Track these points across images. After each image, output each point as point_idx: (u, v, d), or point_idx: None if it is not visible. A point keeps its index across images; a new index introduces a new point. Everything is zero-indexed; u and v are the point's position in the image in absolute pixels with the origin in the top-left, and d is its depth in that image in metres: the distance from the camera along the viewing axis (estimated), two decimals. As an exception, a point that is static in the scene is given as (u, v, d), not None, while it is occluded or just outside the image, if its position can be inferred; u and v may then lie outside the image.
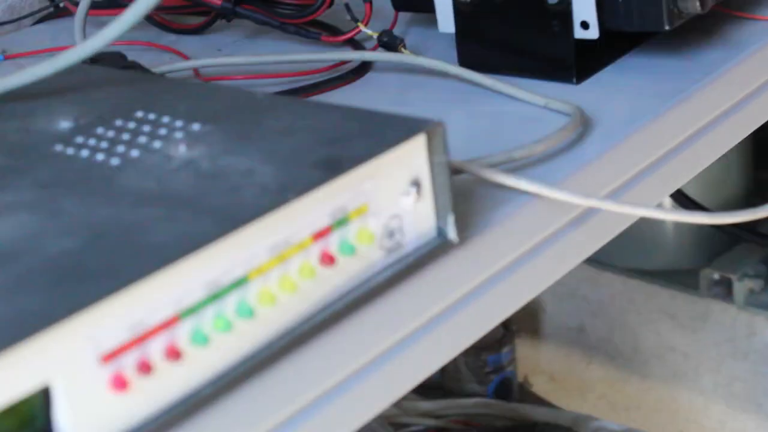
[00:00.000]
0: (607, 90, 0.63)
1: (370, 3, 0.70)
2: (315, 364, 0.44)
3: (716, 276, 1.09)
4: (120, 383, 0.38)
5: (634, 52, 0.67)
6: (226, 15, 0.74)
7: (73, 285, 0.37)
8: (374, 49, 0.69)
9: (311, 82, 0.66)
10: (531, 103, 0.61)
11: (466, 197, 0.52)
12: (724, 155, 0.65)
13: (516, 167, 0.54)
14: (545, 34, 0.63)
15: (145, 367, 0.39)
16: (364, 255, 0.45)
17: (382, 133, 0.46)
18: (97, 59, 0.60)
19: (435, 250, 0.48)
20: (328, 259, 0.44)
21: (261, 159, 0.44)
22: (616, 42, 0.66)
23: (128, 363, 0.38)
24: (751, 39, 0.68)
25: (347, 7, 0.70)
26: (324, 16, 0.71)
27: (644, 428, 1.09)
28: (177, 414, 0.40)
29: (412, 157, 0.46)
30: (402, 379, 0.47)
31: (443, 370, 1.10)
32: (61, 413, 0.37)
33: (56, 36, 0.81)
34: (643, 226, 1.09)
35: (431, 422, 1.03)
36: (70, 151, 0.46)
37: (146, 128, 0.47)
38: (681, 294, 1.11)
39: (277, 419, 0.42)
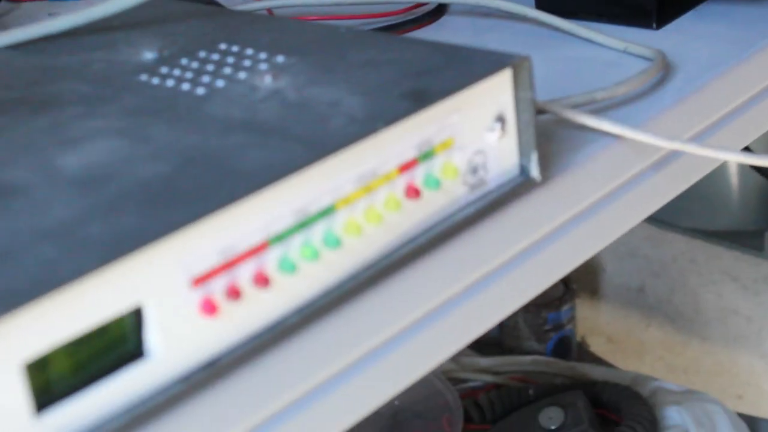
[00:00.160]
0: (687, 36, 0.62)
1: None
2: (398, 298, 0.44)
3: (782, 238, 1.08)
4: (209, 307, 0.38)
5: (714, -1, 0.66)
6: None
7: (166, 207, 0.37)
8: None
9: (386, 24, 0.66)
10: (610, 48, 0.60)
11: (547, 137, 0.51)
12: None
13: (597, 109, 0.53)
14: (625, -22, 0.62)
15: (234, 293, 0.39)
16: (448, 190, 0.45)
17: (469, 66, 0.45)
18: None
19: (517, 188, 0.48)
20: (413, 192, 0.44)
21: (347, 90, 0.44)
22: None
23: (218, 288, 0.39)
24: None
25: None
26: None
27: (702, 391, 1.08)
28: (263, 341, 0.40)
29: (497, 91, 0.46)
30: (483, 317, 0.47)
31: (502, 327, 1.09)
32: (152, 335, 0.37)
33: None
34: (707, 185, 1.08)
35: (489, 378, 1.02)
36: (155, 80, 0.46)
37: (230, 60, 0.47)
38: (744, 255, 1.09)
39: (361, 351, 0.42)
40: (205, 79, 0.46)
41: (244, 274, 0.39)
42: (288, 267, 0.40)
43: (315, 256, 0.41)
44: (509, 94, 0.46)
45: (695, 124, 0.56)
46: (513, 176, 0.48)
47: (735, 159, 0.52)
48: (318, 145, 0.40)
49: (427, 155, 0.44)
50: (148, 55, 0.48)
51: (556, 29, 0.62)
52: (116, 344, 0.37)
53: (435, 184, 0.44)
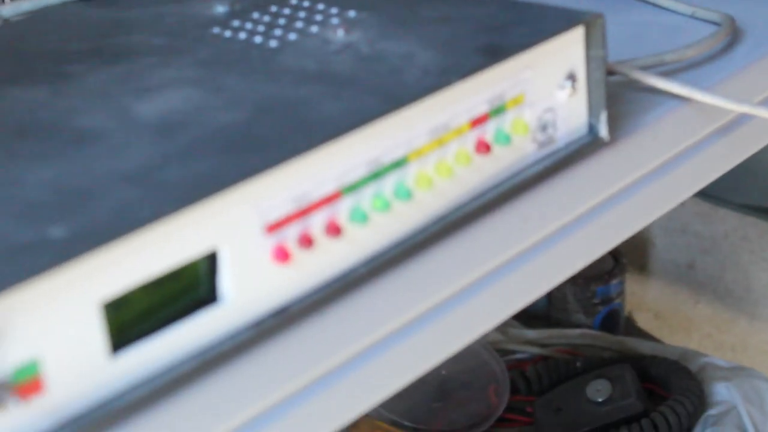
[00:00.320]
0: (755, 1, 0.61)
1: None
2: (466, 253, 0.44)
3: (836, 215, 1.06)
4: (282, 254, 0.39)
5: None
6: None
7: (242, 153, 0.38)
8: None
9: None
10: (677, 12, 0.59)
11: (616, 98, 0.51)
12: None
13: (665, 72, 0.53)
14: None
15: (306, 241, 0.39)
16: (517, 146, 0.45)
17: (542, 23, 0.45)
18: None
19: (585, 147, 0.47)
20: (483, 147, 0.44)
21: (420, 44, 0.44)
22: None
23: (291, 235, 0.39)
24: None
25: None
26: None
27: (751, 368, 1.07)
28: (332, 291, 0.40)
29: (569, 49, 0.46)
30: (550, 272, 0.47)
31: (550, 300, 1.09)
32: (226, 280, 0.38)
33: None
34: (762, 160, 1.07)
35: (536, 350, 1.02)
36: (228, 33, 0.47)
37: (301, 14, 0.47)
38: (798, 233, 1.08)
39: (429, 303, 0.42)
40: (277, 32, 0.46)
41: (316, 222, 0.39)
42: (359, 217, 0.40)
43: (386, 207, 0.41)
44: (581, 51, 0.46)
45: (763, 89, 0.55)
46: (581, 135, 0.47)
47: (805, 124, 0.51)
48: (392, 96, 0.40)
49: (498, 110, 0.44)
50: (220, 9, 0.49)
51: (623, -7, 0.62)
52: (190, 289, 0.37)
53: (505, 139, 0.44)
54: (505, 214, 0.45)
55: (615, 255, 1.07)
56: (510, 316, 0.46)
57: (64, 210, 0.35)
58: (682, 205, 1.18)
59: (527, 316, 1.05)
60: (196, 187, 0.36)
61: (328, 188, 0.39)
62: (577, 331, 1.04)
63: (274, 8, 0.48)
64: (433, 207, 0.43)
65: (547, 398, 0.91)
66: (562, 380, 0.94)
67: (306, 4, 0.48)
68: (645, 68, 0.52)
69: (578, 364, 0.96)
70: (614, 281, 1.07)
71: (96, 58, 0.45)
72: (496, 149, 0.44)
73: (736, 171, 0.56)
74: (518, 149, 0.45)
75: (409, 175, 0.42)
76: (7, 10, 0.54)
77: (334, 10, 0.47)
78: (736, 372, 0.94)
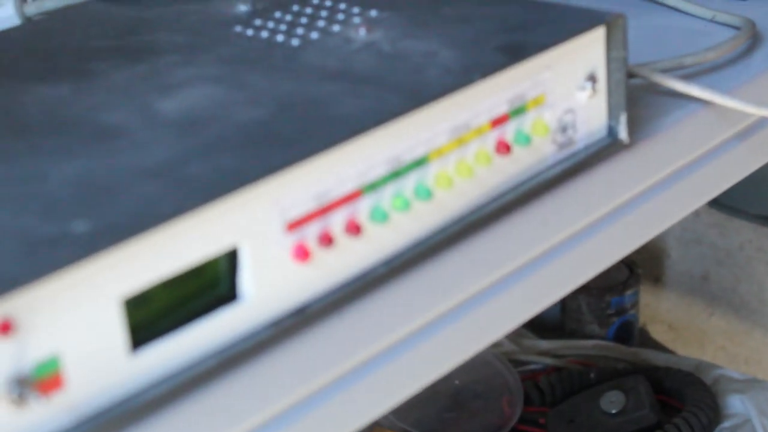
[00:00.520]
0: (775, 7, 0.61)
1: None
2: (486, 255, 0.44)
3: None
4: (302, 253, 0.39)
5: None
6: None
7: (264, 150, 0.38)
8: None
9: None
10: (697, 16, 0.59)
11: (635, 101, 0.51)
12: None
13: (685, 75, 0.53)
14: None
15: (326, 239, 0.39)
16: (537, 147, 0.45)
17: (562, 23, 0.45)
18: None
19: (605, 149, 0.47)
20: (503, 148, 0.43)
21: (441, 43, 0.44)
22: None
23: (311, 233, 0.39)
24: None
25: None
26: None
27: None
28: (351, 290, 0.40)
29: (590, 50, 0.45)
30: (565, 277, 0.46)
31: (564, 310, 1.09)
32: (246, 278, 0.38)
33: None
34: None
35: (550, 361, 1.02)
36: (250, 32, 0.47)
37: (323, 13, 0.47)
38: (813, 245, 1.08)
39: (449, 304, 0.42)
40: (299, 31, 0.46)
41: (337, 221, 0.39)
42: (380, 216, 0.40)
43: (406, 206, 0.41)
44: (602, 52, 0.46)
45: (784, 94, 0.55)
46: (601, 137, 0.47)
47: (826, 128, 0.51)
48: (414, 94, 0.40)
49: (518, 111, 0.44)
50: (242, 8, 0.49)
51: (642, -2, 0.62)
52: (210, 286, 0.37)
53: (525, 140, 0.44)
54: (524, 216, 0.45)
55: (630, 266, 1.06)
56: (525, 321, 0.46)
57: (87, 205, 0.35)
58: (698, 215, 1.17)
59: (541, 327, 1.05)
60: (218, 183, 0.36)
61: (349, 186, 0.39)
62: (591, 342, 1.04)
63: (296, 7, 0.48)
64: (452, 207, 0.42)
65: (561, 409, 0.91)
66: (575, 391, 0.94)
67: (328, 3, 0.48)
68: (665, 71, 0.52)
69: (592, 375, 0.95)
70: (629, 292, 1.06)
71: (119, 56, 0.46)
72: (516, 150, 0.44)
73: (752, 181, 0.56)
74: (538, 150, 0.45)
75: (430, 174, 0.41)
76: (30, 9, 0.55)
77: (355, 10, 0.47)
78: (750, 384, 0.94)
